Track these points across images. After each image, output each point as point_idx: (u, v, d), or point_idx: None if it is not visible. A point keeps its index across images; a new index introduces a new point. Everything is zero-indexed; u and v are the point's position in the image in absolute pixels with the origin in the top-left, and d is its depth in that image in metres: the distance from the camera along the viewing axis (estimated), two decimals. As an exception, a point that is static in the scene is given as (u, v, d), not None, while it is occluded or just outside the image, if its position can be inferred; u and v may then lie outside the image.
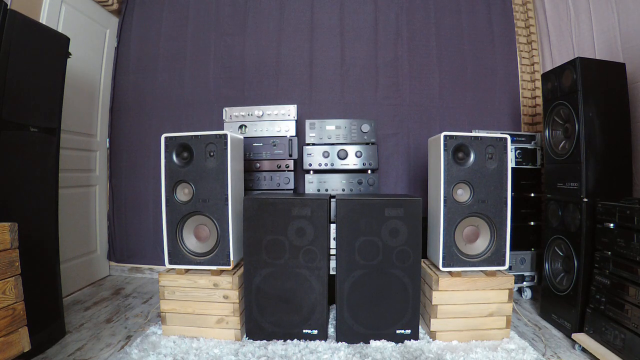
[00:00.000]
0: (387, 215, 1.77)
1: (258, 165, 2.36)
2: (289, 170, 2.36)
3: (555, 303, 2.01)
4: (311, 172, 2.32)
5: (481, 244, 1.86)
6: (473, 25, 2.96)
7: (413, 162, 2.88)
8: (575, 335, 1.76)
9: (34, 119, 1.68)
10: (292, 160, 2.37)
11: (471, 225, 1.86)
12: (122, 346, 1.78)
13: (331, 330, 1.92)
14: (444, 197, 1.82)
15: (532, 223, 2.51)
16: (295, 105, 2.42)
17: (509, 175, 1.84)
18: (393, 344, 1.77)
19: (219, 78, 2.95)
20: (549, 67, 2.66)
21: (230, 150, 1.82)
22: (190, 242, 1.87)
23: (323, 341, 1.80)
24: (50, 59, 1.77)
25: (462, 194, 1.86)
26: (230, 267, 1.83)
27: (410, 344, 1.77)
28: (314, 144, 2.32)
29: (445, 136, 1.82)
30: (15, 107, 1.57)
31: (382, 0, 2.94)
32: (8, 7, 1.50)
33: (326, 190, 2.28)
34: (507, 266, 1.84)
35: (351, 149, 2.30)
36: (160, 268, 2.89)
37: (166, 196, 1.85)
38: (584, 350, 1.72)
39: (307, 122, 2.33)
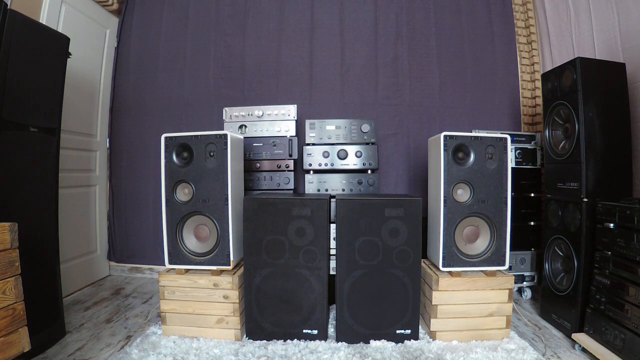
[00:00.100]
0: (387, 215, 1.77)
1: (258, 165, 2.36)
2: (289, 170, 2.36)
3: (555, 303, 2.01)
4: (311, 172, 2.32)
5: (481, 244, 1.86)
6: (473, 25, 2.96)
7: (413, 162, 2.88)
8: (575, 335, 1.76)
9: (34, 119, 1.68)
10: (292, 160, 2.37)
11: (471, 225, 1.86)
12: (122, 346, 1.78)
13: (331, 330, 1.92)
14: (444, 197, 1.82)
15: (532, 223, 2.51)
16: (295, 105, 2.42)
17: (509, 175, 1.84)
18: (393, 344, 1.77)
19: (219, 78, 2.95)
20: (549, 67, 2.66)
21: (230, 150, 1.82)
22: (190, 242, 1.87)
23: (323, 341, 1.80)
24: (50, 59, 1.77)
25: (462, 194, 1.86)
26: (230, 267, 1.83)
27: (410, 344, 1.77)
28: (314, 144, 2.32)
29: (445, 136, 1.82)
30: (15, 107, 1.57)
31: (382, 0, 2.94)
32: (8, 7, 1.50)
33: (326, 190, 2.28)
34: (507, 266, 1.84)
35: (351, 149, 2.30)
36: (160, 268, 2.89)
37: (166, 196, 1.85)
38: (584, 350, 1.72)
39: (307, 122, 2.33)
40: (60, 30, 2.24)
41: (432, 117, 2.90)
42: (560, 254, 2.02)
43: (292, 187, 2.35)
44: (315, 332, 1.81)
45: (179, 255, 1.85)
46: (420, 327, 1.86)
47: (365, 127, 2.30)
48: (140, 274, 2.97)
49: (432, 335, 1.82)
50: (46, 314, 1.73)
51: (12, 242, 1.22)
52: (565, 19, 2.57)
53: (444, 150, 1.82)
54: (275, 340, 1.80)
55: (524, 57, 2.98)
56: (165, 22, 3.00)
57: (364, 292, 1.79)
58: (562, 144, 2.01)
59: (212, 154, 1.82)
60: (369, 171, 2.32)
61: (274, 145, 2.35)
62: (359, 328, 1.80)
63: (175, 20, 3.01)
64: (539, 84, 2.87)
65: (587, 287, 1.79)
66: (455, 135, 1.84)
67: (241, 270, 1.88)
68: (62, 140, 1.91)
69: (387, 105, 2.90)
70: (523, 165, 2.49)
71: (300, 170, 2.49)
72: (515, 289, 2.55)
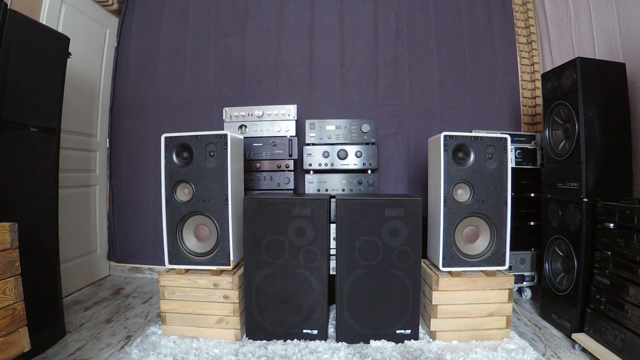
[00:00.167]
0: (387, 215, 1.77)
1: (258, 165, 2.36)
2: (289, 170, 2.36)
3: (555, 303, 2.01)
4: (311, 172, 2.32)
5: (481, 244, 1.86)
6: (473, 25, 2.96)
7: (413, 162, 2.88)
8: (575, 335, 1.76)
9: (34, 119, 1.68)
10: (292, 160, 2.37)
11: (471, 225, 1.86)
12: (122, 346, 1.78)
13: (331, 330, 1.92)
14: (444, 197, 1.82)
15: (532, 223, 2.51)
16: (295, 105, 2.42)
17: (509, 175, 1.84)
18: (393, 344, 1.77)
19: (219, 78, 2.95)
20: (549, 67, 2.66)
21: (230, 150, 1.82)
22: (190, 242, 1.87)
23: (323, 341, 1.80)
24: (50, 59, 1.77)
25: (462, 194, 1.86)
26: (230, 267, 1.83)
27: (410, 344, 1.77)
28: (314, 144, 2.32)
29: (445, 136, 1.82)
30: (15, 107, 1.57)
31: (382, 0, 2.94)
32: (8, 7, 1.50)
33: (326, 190, 2.28)
34: (507, 266, 1.84)
35: (351, 149, 2.30)
36: (160, 268, 2.89)
37: (166, 196, 1.85)
38: (584, 350, 1.72)
39: (307, 122, 2.33)
40: (60, 30, 2.24)
41: (432, 117, 2.90)
42: (560, 254, 2.02)
43: (292, 187, 2.35)
44: (315, 332, 1.81)
45: (179, 255, 1.85)
46: (420, 327, 1.86)
47: (365, 127, 2.30)
48: (140, 274, 2.97)
49: (432, 335, 1.82)
50: (46, 314, 1.73)
51: (12, 242, 1.22)
52: (565, 19, 2.57)
53: (444, 150, 1.82)
54: (275, 340, 1.80)
55: (524, 57, 2.98)
56: (165, 22, 3.00)
57: (364, 292, 1.79)
58: (562, 144, 2.01)
59: (212, 154, 1.82)
60: (369, 171, 2.32)
61: (274, 145, 2.35)
62: (359, 328, 1.80)
63: (175, 20, 3.01)
64: (539, 84, 2.87)
65: (587, 287, 1.79)
66: (455, 135, 1.84)
67: (241, 270, 1.88)
68: (62, 140, 1.91)
69: (387, 105, 2.90)
70: (523, 165, 2.49)
71: (300, 170, 2.49)
72: (515, 289, 2.55)
